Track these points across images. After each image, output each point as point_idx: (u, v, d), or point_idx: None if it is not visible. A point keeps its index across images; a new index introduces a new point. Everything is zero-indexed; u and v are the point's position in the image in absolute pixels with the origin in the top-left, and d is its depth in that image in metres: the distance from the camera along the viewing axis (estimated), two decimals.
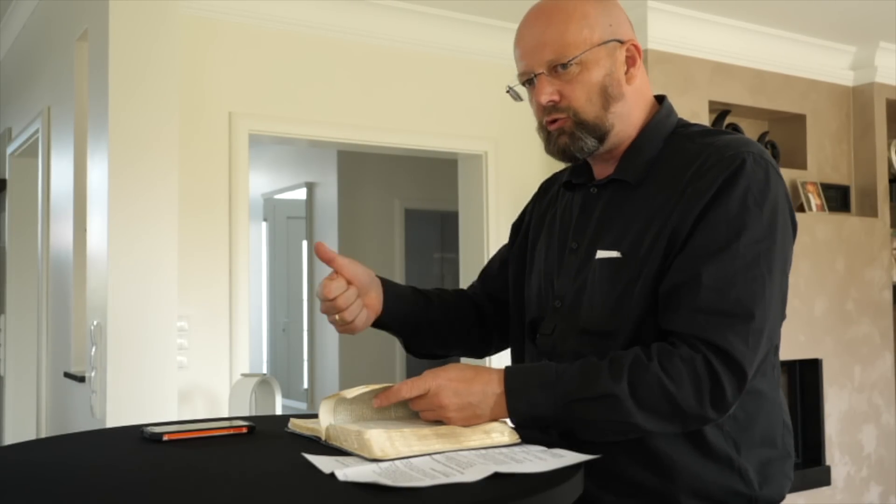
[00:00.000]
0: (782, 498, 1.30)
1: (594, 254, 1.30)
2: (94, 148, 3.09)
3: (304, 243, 7.31)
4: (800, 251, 4.42)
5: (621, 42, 1.31)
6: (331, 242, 6.40)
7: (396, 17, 3.96)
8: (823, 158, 4.74)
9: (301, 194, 7.07)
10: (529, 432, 1.20)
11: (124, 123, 2.90)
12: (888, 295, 4.76)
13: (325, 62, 3.87)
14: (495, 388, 1.18)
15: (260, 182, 7.44)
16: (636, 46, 1.32)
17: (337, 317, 1.33)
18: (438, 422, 1.19)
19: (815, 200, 4.60)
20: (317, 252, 1.32)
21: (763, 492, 1.27)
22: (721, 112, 4.42)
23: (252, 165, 4.14)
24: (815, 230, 4.47)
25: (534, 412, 1.17)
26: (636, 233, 1.27)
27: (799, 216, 4.43)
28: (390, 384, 1.22)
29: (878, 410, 4.69)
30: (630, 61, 1.32)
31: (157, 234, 2.92)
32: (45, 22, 4.00)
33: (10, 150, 4.78)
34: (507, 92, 1.39)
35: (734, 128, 4.52)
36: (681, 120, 1.37)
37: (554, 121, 1.30)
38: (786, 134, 4.75)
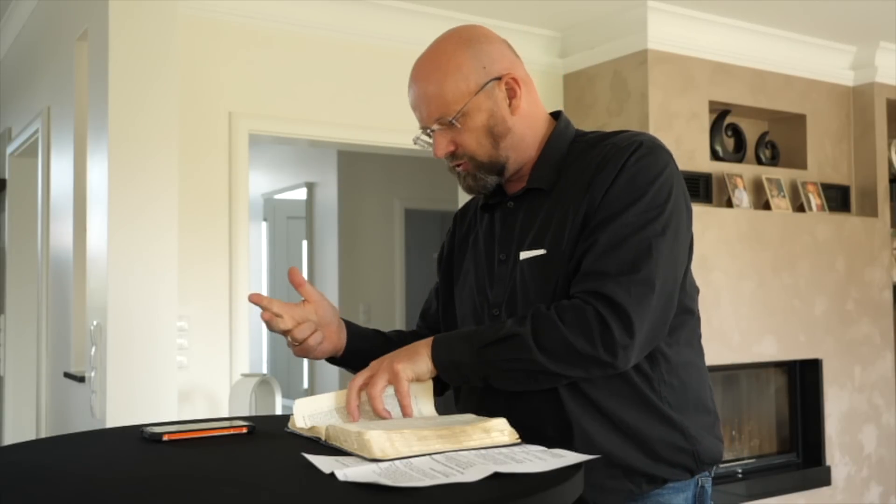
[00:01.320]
0: (721, 457, 1.43)
1: (519, 257, 1.40)
2: (94, 148, 3.09)
3: (304, 243, 7.31)
4: (800, 251, 4.43)
5: (498, 79, 1.39)
6: (331, 242, 6.40)
7: (396, 17, 3.96)
8: (823, 158, 4.74)
9: (301, 194, 7.07)
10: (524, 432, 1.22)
11: (124, 123, 2.90)
12: (888, 295, 4.76)
13: (325, 62, 3.87)
14: (426, 344, 1.34)
15: (260, 182, 7.44)
16: (514, 78, 1.40)
17: (289, 337, 1.43)
18: (439, 423, 1.19)
19: (815, 200, 4.60)
20: (289, 276, 1.45)
21: (702, 446, 1.38)
22: (721, 112, 4.42)
23: (252, 165, 4.14)
24: (815, 230, 4.48)
25: (452, 357, 1.31)
26: (556, 229, 1.37)
27: (799, 216, 4.47)
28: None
29: (879, 410, 4.69)
30: (511, 93, 1.40)
31: (157, 233, 2.92)
32: (45, 22, 4.00)
33: (10, 150, 4.78)
34: (415, 143, 1.48)
35: (734, 128, 4.53)
36: (578, 130, 1.49)
37: (458, 164, 1.43)
38: (786, 134, 4.75)
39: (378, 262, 6.43)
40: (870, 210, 4.77)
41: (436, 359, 1.31)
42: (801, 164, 4.68)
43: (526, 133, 1.42)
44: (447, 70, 1.38)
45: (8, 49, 4.87)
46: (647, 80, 4.06)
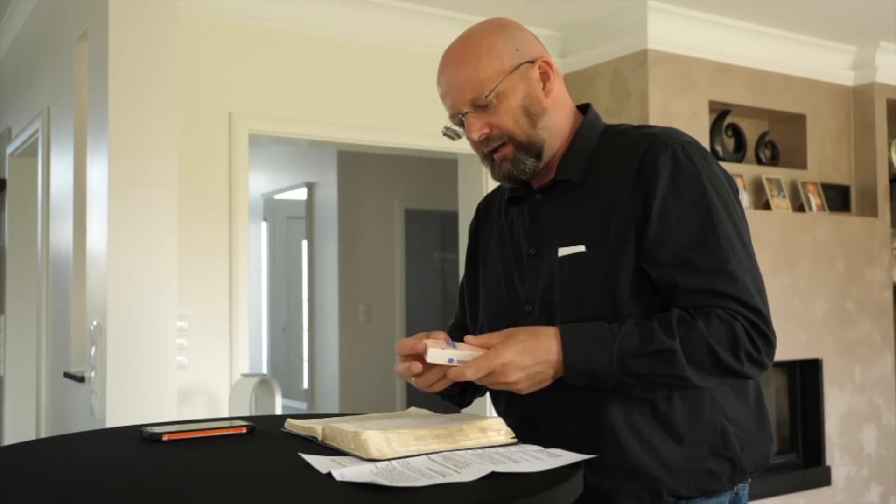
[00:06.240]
0: (767, 462, 1.39)
1: (556, 253, 1.37)
2: (94, 148, 3.09)
3: (304, 243, 7.32)
4: (800, 251, 4.43)
5: (531, 62, 1.39)
6: (331, 242, 6.41)
7: (396, 17, 3.96)
8: (823, 158, 4.74)
9: (301, 194, 7.07)
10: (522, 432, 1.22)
11: (124, 123, 2.90)
12: (888, 295, 4.76)
13: (325, 62, 3.87)
14: (554, 353, 1.25)
15: (260, 182, 7.44)
16: (547, 62, 1.40)
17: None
18: (436, 422, 1.19)
19: (815, 200, 4.60)
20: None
21: (745, 455, 1.34)
22: (721, 112, 4.42)
23: (252, 165, 4.15)
24: (815, 230, 4.47)
25: (589, 367, 1.24)
26: (597, 225, 1.34)
27: (799, 216, 4.46)
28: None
29: (879, 410, 4.69)
30: (544, 77, 1.40)
31: (157, 234, 2.92)
32: (45, 22, 4.00)
33: (10, 150, 4.78)
34: (444, 133, 1.45)
35: (734, 128, 4.53)
36: (607, 123, 1.47)
37: (495, 150, 1.40)
38: (786, 134, 4.75)
39: (378, 262, 6.43)
40: (870, 210, 4.77)
41: (570, 367, 1.24)
42: (801, 165, 4.68)
43: (559, 119, 1.41)
44: (479, 52, 1.37)
45: (8, 49, 4.88)
46: (647, 80, 4.06)
